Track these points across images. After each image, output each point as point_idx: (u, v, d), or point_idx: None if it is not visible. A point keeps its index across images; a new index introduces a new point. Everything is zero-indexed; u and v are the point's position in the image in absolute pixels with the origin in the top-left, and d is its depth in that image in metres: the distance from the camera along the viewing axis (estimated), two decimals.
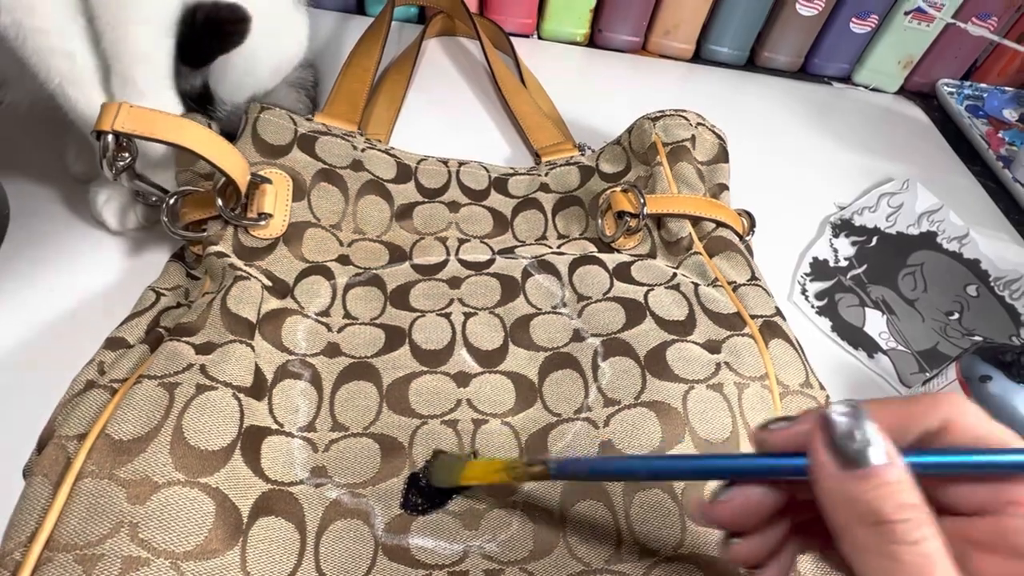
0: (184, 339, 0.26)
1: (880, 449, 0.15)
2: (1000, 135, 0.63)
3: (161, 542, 0.21)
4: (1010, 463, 0.16)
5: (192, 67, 0.33)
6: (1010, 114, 0.66)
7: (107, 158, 0.29)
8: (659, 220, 0.38)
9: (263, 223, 0.32)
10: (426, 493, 0.26)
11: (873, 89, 0.67)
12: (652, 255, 0.37)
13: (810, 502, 0.17)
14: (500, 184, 0.41)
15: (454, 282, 0.33)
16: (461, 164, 0.41)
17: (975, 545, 0.16)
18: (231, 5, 0.32)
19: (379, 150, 0.39)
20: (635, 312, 0.32)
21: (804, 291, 0.44)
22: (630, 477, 0.20)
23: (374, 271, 0.34)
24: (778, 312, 0.33)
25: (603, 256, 0.35)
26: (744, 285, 0.34)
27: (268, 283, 0.30)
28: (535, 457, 0.23)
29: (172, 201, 0.32)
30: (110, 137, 0.29)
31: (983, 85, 0.67)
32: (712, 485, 0.25)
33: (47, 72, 0.30)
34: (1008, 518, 0.16)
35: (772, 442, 0.18)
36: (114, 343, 0.28)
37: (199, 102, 0.35)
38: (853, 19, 0.62)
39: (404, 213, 0.37)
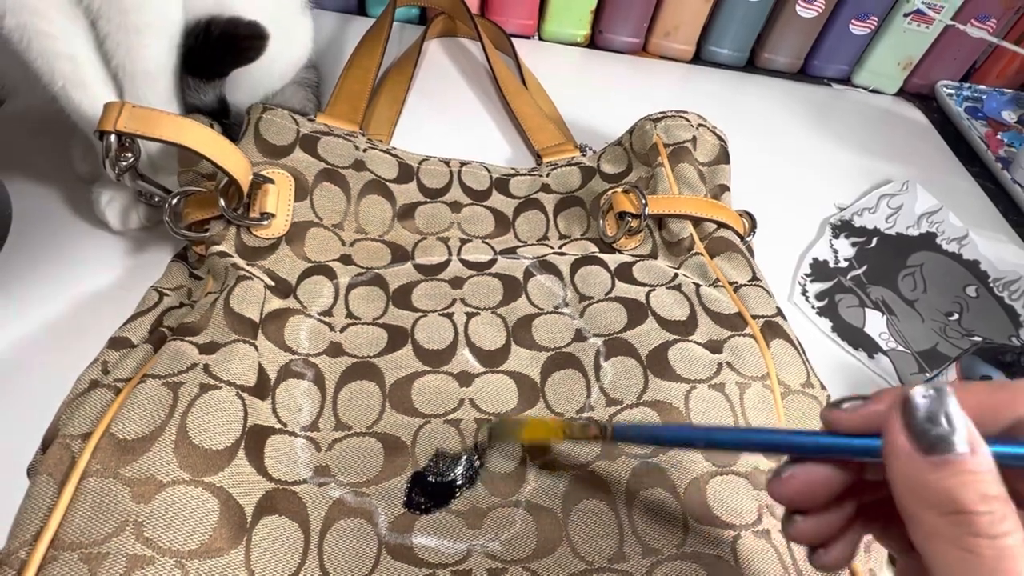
0: (188, 339, 0.26)
1: (963, 436, 0.14)
2: (999, 136, 0.63)
3: (166, 541, 0.21)
4: None
5: (204, 80, 0.33)
6: (1009, 116, 0.66)
7: (110, 158, 0.30)
8: (660, 221, 0.38)
9: (265, 223, 0.32)
10: (430, 491, 0.26)
11: (872, 90, 0.67)
12: (653, 256, 0.37)
13: (879, 483, 0.16)
14: (502, 184, 0.41)
15: (456, 282, 0.34)
16: (463, 164, 0.41)
17: None
18: (249, 22, 0.32)
19: (381, 150, 0.39)
20: (637, 312, 0.32)
21: (804, 292, 0.44)
22: (687, 445, 0.20)
23: (376, 271, 0.34)
24: (779, 312, 0.33)
25: (605, 256, 0.35)
26: (745, 285, 0.34)
27: (271, 283, 0.30)
28: (591, 420, 0.24)
29: (175, 201, 0.32)
30: (113, 137, 0.29)
31: (982, 87, 0.67)
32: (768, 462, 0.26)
33: (51, 75, 0.30)
34: None
35: (845, 421, 0.17)
36: (118, 343, 0.28)
37: (215, 116, 0.35)
38: (852, 21, 0.62)
39: (406, 213, 0.37)
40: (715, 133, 0.42)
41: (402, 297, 0.33)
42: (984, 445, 0.15)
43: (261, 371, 0.27)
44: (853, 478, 0.17)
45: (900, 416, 0.15)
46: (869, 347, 0.41)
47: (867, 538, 0.21)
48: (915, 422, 0.15)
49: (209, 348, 0.26)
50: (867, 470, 0.17)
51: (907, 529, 0.15)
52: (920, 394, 0.15)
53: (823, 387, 0.32)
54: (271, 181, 0.33)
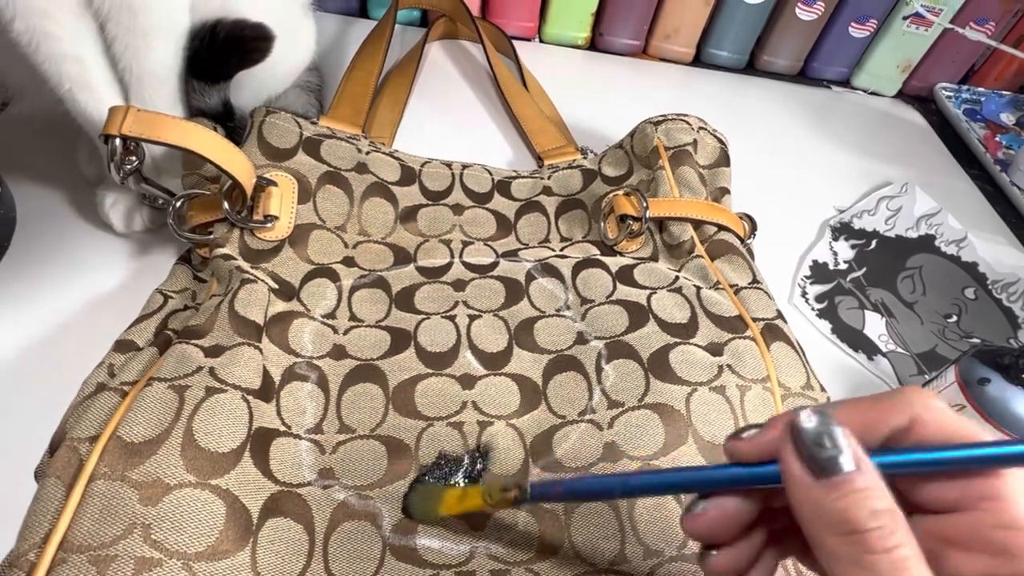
0: (193, 342, 0.26)
1: (848, 455, 0.15)
2: (997, 139, 0.63)
3: (173, 543, 0.21)
4: (980, 457, 0.16)
5: (209, 83, 0.33)
6: (1007, 118, 0.66)
7: (115, 162, 0.30)
8: (661, 223, 0.38)
9: (269, 225, 0.32)
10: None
11: (872, 93, 0.67)
12: (654, 258, 0.37)
13: (786, 509, 0.16)
14: (503, 187, 0.41)
15: (459, 285, 0.34)
16: (464, 167, 0.41)
17: (950, 543, 0.16)
18: (255, 24, 0.32)
19: (383, 153, 0.39)
20: (638, 315, 0.32)
21: (804, 294, 0.44)
22: (606, 496, 0.20)
23: (379, 273, 0.34)
24: (779, 315, 0.33)
25: (606, 259, 0.35)
26: (746, 288, 0.34)
27: (274, 285, 0.31)
28: (509, 482, 0.23)
29: (178, 204, 0.32)
30: (118, 141, 0.29)
31: (981, 89, 0.68)
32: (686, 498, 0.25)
33: (58, 77, 0.30)
34: (981, 514, 0.16)
35: (744, 451, 0.18)
36: (123, 346, 0.28)
37: (219, 120, 0.35)
38: (852, 23, 0.62)
39: (408, 215, 0.38)
40: (716, 136, 0.42)
41: (405, 299, 0.33)
42: (868, 460, 0.15)
43: (266, 374, 0.27)
44: (761, 506, 0.18)
45: (790, 442, 0.16)
46: (868, 349, 0.42)
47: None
48: (804, 446, 0.15)
49: (214, 351, 0.26)
50: (774, 497, 0.18)
51: (815, 554, 0.15)
52: (805, 418, 0.15)
53: (823, 389, 0.32)
54: (274, 184, 0.33)
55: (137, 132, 0.29)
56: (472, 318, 0.32)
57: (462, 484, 0.27)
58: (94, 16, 0.29)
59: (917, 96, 0.68)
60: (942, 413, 0.16)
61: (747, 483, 0.18)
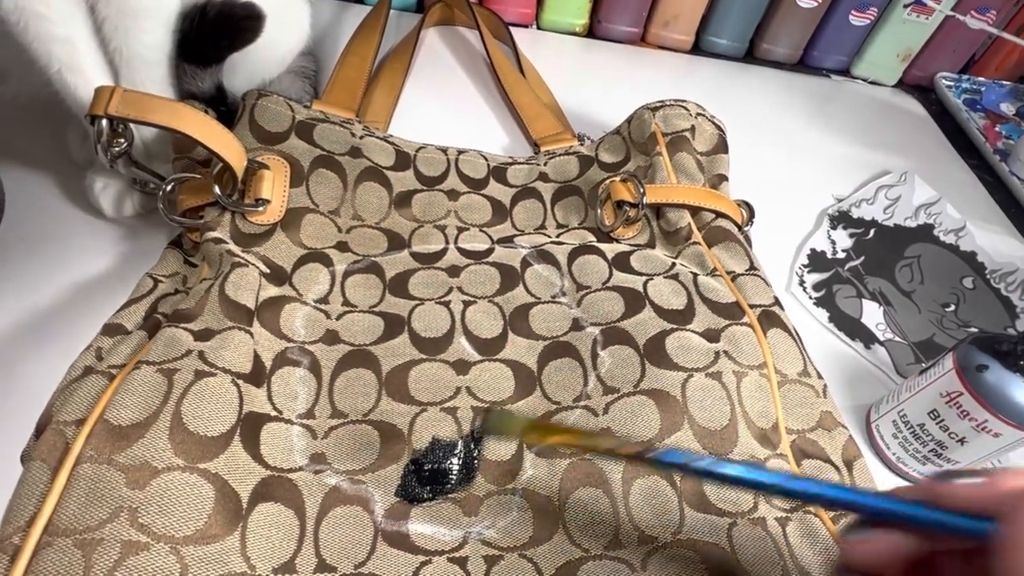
0: (182, 325, 0.26)
1: None
2: (997, 129, 0.63)
3: (161, 527, 0.21)
4: None
5: (201, 66, 0.33)
6: (1007, 108, 0.66)
7: (102, 143, 0.29)
8: (658, 210, 0.37)
9: (261, 209, 0.32)
10: (426, 479, 0.26)
11: (871, 82, 0.67)
12: (651, 245, 0.37)
13: (955, 559, 0.15)
14: (499, 173, 0.41)
15: (453, 271, 0.33)
16: (460, 152, 0.41)
17: None
18: (245, 3, 0.32)
19: (378, 137, 0.38)
20: (634, 301, 0.32)
21: (802, 282, 0.44)
22: (750, 487, 0.18)
23: (373, 258, 0.33)
24: (776, 302, 0.33)
25: (602, 246, 0.35)
26: (743, 275, 0.34)
27: (266, 270, 0.30)
28: (631, 442, 0.21)
29: (169, 188, 0.32)
30: (104, 122, 0.29)
31: (981, 79, 0.67)
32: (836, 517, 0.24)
33: (47, 58, 0.29)
34: None
35: (956, 496, 0.16)
36: (112, 329, 0.27)
37: (212, 104, 0.34)
38: (852, 12, 0.62)
39: (403, 201, 0.37)
40: (714, 123, 0.42)
41: (399, 285, 0.32)
42: None
43: (256, 358, 0.27)
44: (929, 549, 0.17)
45: None
46: (866, 338, 0.41)
47: None
48: None
49: (204, 335, 0.26)
50: (946, 543, 0.17)
51: None
52: None
53: (820, 376, 0.32)
54: (266, 167, 0.33)
55: (124, 112, 0.28)
56: (466, 304, 0.32)
57: (456, 469, 0.27)
58: None
59: (917, 85, 0.68)
60: None
61: (946, 529, 0.16)
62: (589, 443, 0.22)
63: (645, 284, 0.32)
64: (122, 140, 0.30)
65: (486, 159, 0.41)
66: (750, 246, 0.38)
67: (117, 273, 0.35)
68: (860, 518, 0.18)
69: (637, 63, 0.61)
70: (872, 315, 0.43)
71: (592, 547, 0.25)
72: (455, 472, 0.26)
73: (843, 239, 0.48)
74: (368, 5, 0.57)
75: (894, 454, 0.35)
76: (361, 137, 0.37)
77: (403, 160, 0.39)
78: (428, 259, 0.34)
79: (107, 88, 0.29)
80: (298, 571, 0.23)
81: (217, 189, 0.31)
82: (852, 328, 0.42)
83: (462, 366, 0.30)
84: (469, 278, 0.33)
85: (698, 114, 0.41)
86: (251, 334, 0.27)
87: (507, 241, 0.36)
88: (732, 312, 0.32)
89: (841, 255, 0.47)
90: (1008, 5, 0.61)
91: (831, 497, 0.18)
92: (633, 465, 0.26)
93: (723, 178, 0.40)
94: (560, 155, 0.42)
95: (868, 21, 0.62)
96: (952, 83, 0.66)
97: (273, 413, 0.26)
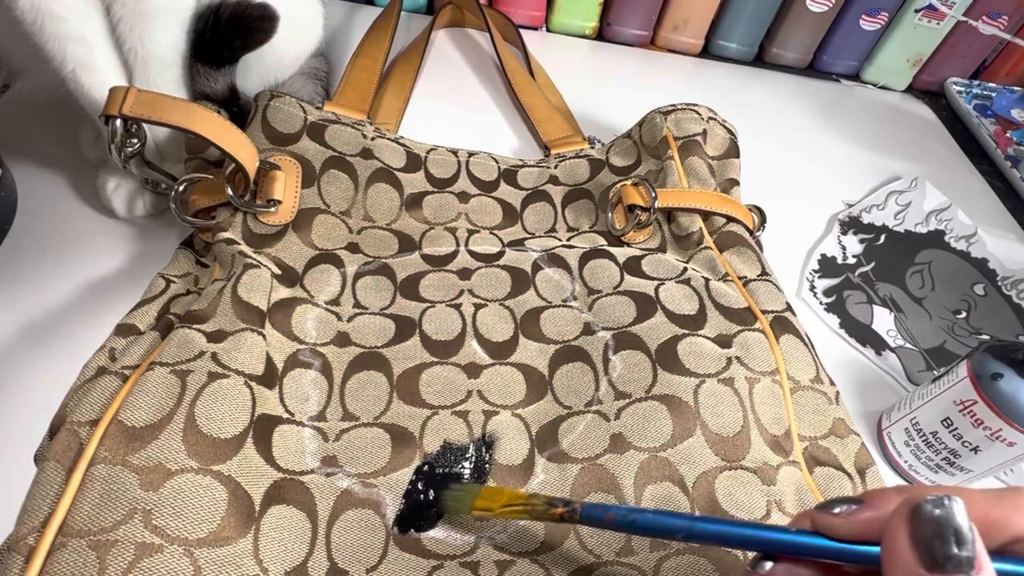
0: (195, 326, 0.26)
1: (972, 555, 0.14)
2: (1008, 135, 0.63)
3: (174, 529, 0.21)
4: None
5: (214, 67, 0.33)
6: (1018, 114, 0.65)
7: (115, 143, 0.29)
8: (669, 214, 0.37)
9: (272, 209, 0.32)
10: (437, 483, 0.26)
11: (881, 87, 0.67)
12: (662, 249, 0.37)
13: None
14: (509, 175, 0.41)
15: (464, 273, 0.33)
16: (471, 155, 0.41)
17: None
18: (259, 4, 0.32)
19: (388, 139, 0.38)
20: (646, 306, 0.31)
21: (812, 288, 0.44)
22: (666, 535, 0.19)
23: (384, 260, 0.33)
24: (788, 307, 0.33)
25: (613, 250, 0.35)
26: (754, 280, 0.34)
27: (277, 271, 0.30)
28: (557, 498, 0.22)
29: (181, 188, 0.32)
30: (118, 122, 0.29)
31: (992, 84, 0.67)
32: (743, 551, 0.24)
33: (62, 58, 0.29)
34: None
35: (837, 527, 0.16)
36: (125, 329, 0.27)
37: (224, 104, 0.34)
38: (863, 16, 0.61)
39: (414, 202, 0.37)
40: (725, 127, 0.42)
41: (410, 287, 0.32)
42: (990, 565, 0.14)
43: (269, 360, 0.27)
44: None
45: (908, 527, 0.15)
46: (877, 344, 0.41)
47: None
48: (923, 536, 0.14)
49: (217, 336, 0.26)
50: (844, 571, 0.17)
51: None
52: (932, 506, 0.14)
53: (832, 383, 0.31)
54: (278, 168, 0.33)
55: (138, 113, 0.28)
56: (478, 307, 0.32)
57: (467, 474, 0.27)
58: None
59: (927, 91, 0.68)
60: None
61: (833, 557, 0.17)
62: (529, 508, 0.22)
63: (657, 289, 0.32)
64: (135, 140, 0.30)
65: (497, 161, 0.41)
66: (761, 251, 0.38)
67: (129, 273, 0.35)
68: (760, 553, 0.18)
69: (647, 66, 0.61)
70: (883, 321, 0.43)
71: (604, 553, 0.25)
72: (467, 476, 0.26)
73: (853, 245, 0.47)
74: (379, 7, 0.57)
75: (906, 462, 0.34)
76: (372, 139, 0.37)
77: (414, 162, 0.39)
78: (439, 261, 0.34)
79: (121, 88, 0.29)
80: (310, 574, 0.23)
81: (229, 189, 0.31)
82: (863, 334, 0.42)
83: (473, 369, 0.29)
84: (480, 281, 0.33)
85: (710, 118, 0.41)
86: (263, 336, 0.27)
87: (518, 244, 0.36)
88: (744, 318, 0.31)
89: (852, 261, 0.46)
90: (1020, 10, 0.61)
91: (735, 535, 0.18)
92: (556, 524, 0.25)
93: (734, 182, 0.40)
94: (570, 158, 0.42)
95: (879, 26, 0.62)
96: (963, 88, 0.66)
97: (285, 415, 0.26)
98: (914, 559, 0.14)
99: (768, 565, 0.17)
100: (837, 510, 0.17)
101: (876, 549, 0.16)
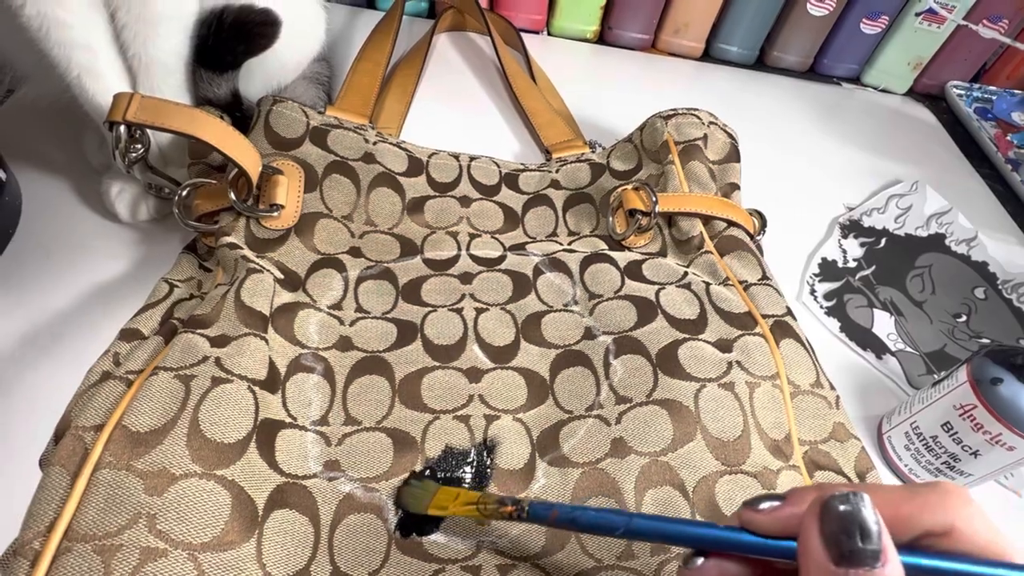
0: (199, 331, 0.26)
1: (878, 549, 0.14)
2: (1009, 138, 0.63)
3: (179, 533, 0.21)
4: None
5: (217, 72, 0.33)
6: (1019, 117, 0.66)
7: (119, 149, 0.29)
8: (670, 219, 0.38)
9: (275, 214, 0.32)
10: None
11: (882, 90, 0.67)
12: (663, 254, 0.37)
13: None
14: (511, 180, 0.41)
15: (465, 277, 0.34)
16: (472, 159, 0.41)
17: None
18: (262, 9, 0.32)
19: (390, 143, 0.38)
20: (647, 310, 0.32)
21: (813, 291, 0.44)
22: (605, 532, 0.19)
23: (386, 265, 0.34)
24: (789, 312, 0.33)
25: (614, 254, 0.35)
26: (755, 284, 0.34)
27: (280, 276, 0.30)
28: (507, 497, 0.22)
29: (184, 193, 0.32)
30: (122, 128, 0.29)
31: (992, 88, 0.67)
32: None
33: (67, 64, 0.30)
34: None
35: (760, 523, 0.17)
36: (129, 334, 0.28)
37: (227, 109, 0.35)
38: (864, 20, 0.62)
39: (415, 206, 0.37)
40: (726, 131, 0.42)
41: (411, 292, 0.33)
42: (896, 558, 0.14)
43: (271, 365, 0.27)
44: (761, 573, 0.17)
45: (816, 523, 0.15)
46: (877, 348, 0.41)
47: None
48: (831, 531, 0.15)
49: (220, 341, 0.26)
50: (777, 567, 0.17)
51: None
52: (839, 502, 0.15)
53: (832, 387, 0.32)
54: (281, 172, 0.33)
55: (142, 119, 0.29)
56: (479, 311, 0.32)
57: (469, 478, 0.27)
58: (105, 3, 0.29)
59: (928, 94, 0.68)
60: (981, 524, 0.16)
61: (758, 553, 0.17)
62: (480, 508, 0.23)
63: (657, 293, 0.32)
64: (139, 145, 0.30)
65: (498, 165, 0.41)
66: (762, 255, 0.38)
67: (133, 277, 0.35)
68: (693, 550, 0.18)
69: (648, 70, 0.61)
70: (883, 325, 0.43)
71: (605, 557, 0.25)
72: (468, 481, 0.26)
73: (854, 248, 0.48)
74: (381, 11, 0.57)
75: (906, 466, 0.34)
76: (374, 143, 0.37)
77: (416, 166, 0.39)
78: (441, 266, 0.34)
79: (125, 94, 0.29)
80: None
81: (232, 194, 0.31)
82: (863, 338, 0.42)
83: (475, 374, 0.30)
84: (481, 285, 0.33)
85: (710, 123, 0.41)
86: (266, 340, 0.27)
87: (519, 248, 0.36)
88: (745, 322, 0.32)
89: (852, 264, 0.46)
90: (1020, 14, 0.61)
91: (666, 531, 0.19)
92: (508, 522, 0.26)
93: (735, 187, 0.40)
94: (572, 162, 0.42)
95: (879, 29, 0.62)
96: (963, 92, 0.66)
97: (288, 420, 0.26)
98: (823, 554, 0.15)
99: (700, 561, 0.18)
100: (762, 507, 0.17)
101: (794, 545, 0.16)
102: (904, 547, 0.15)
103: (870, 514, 0.15)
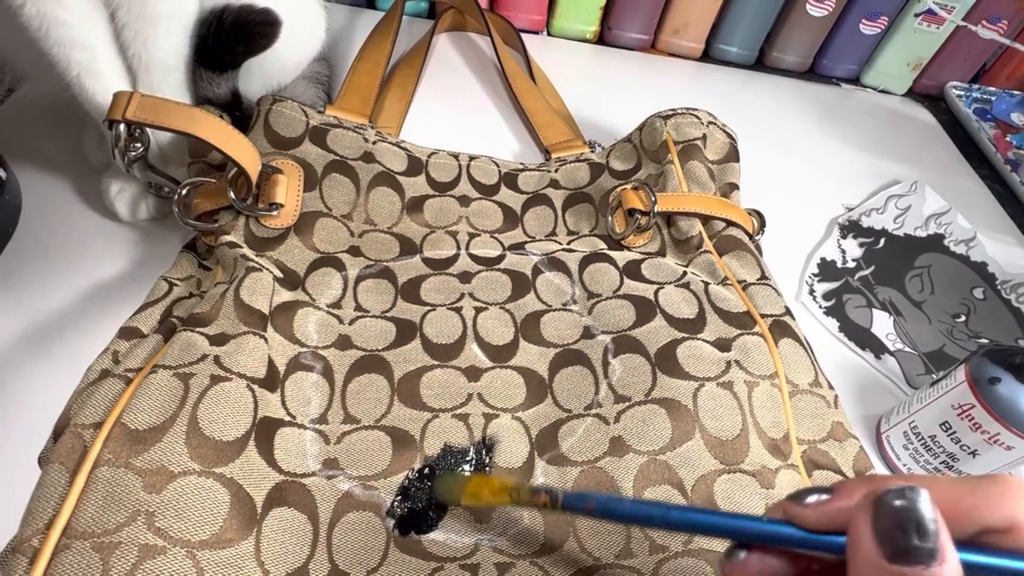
0: (198, 329, 0.26)
1: (935, 546, 0.13)
2: (1008, 139, 0.63)
3: (177, 531, 0.21)
4: None
5: (217, 71, 0.33)
6: (1018, 118, 0.66)
7: (119, 148, 0.29)
8: (669, 218, 0.38)
9: (275, 212, 0.32)
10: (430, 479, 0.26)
11: (881, 91, 0.67)
12: (662, 253, 0.37)
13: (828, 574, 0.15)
14: (510, 179, 0.41)
15: (464, 277, 0.34)
16: (471, 158, 0.41)
17: None
18: (262, 9, 0.32)
19: (390, 143, 0.39)
20: (645, 310, 0.32)
21: (812, 291, 0.44)
22: (642, 523, 0.19)
23: (385, 264, 0.34)
24: (787, 311, 0.33)
25: (613, 254, 0.35)
26: (754, 284, 0.34)
27: (279, 274, 0.30)
28: (541, 486, 0.22)
29: (184, 192, 0.32)
30: (122, 127, 0.29)
31: (991, 88, 0.67)
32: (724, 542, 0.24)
33: (67, 63, 0.30)
34: None
35: (807, 518, 0.16)
36: (128, 332, 0.28)
37: (227, 108, 0.35)
38: (863, 20, 0.62)
39: (415, 206, 0.37)
40: (725, 131, 0.42)
41: (411, 291, 0.33)
42: (955, 556, 0.14)
43: (270, 363, 0.27)
44: (804, 569, 0.17)
45: (870, 518, 0.14)
46: (876, 348, 0.41)
47: None
48: (885, 527, 0.14)
49: (219, 339, 0.26)
50: (820, 562, 0.17)
51: None
52: (894, 497, 0.14)
53: (831, 387, 0.32)
54: (280, 171, 0.33)
55: (141, 117, 0.29)
56: (478, 310, 0.32)
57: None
58: (105, 3, 0.29)
59: (927, 95, 0.68)
60: None
61: (804, 547, 0.17)
62: (515, 497, 0.23)
63: (656, 292, 0.32)
64: (139, 144, 0.30)
65: (497, 165, 0.41)
66: (761, 255, 0.38)
67: (132, 276, 0.35)
68: (735, 542, 0.18)
69: (647, 70, 0.61)
70: (882, 325, 0.43)
71: (603, 555, 0.25)
72: (489, 477, 0.26)
73: (853, 248, 0.48)
74: (381, 11, 0.58)
75: (904, 465, 0.34)
76: (374, 142, 0.37)
77: (415, 165, 0.39)
78: (440, 265, 0.34)
79: (125, 93, 0.29)
80: None
81: (232, 193, 0.31)
82: (862, 338, 0.42)
83: (474, 372, 0.30)
84: (480, 284, 0.33)
85: (709, 123, 0.41)
86: (265, 339, 0.27)
87: (518, 248, 0.36)
88: (743, 322, 0.32)
89: (851, 264, 0.46)
90: (1019, 15, 0.61)
91: (706, 523, 0.18)
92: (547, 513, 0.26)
93: (734, 187, 0.40)
94: (571, 162, 0.42)
95: (878, 30, 0.62)
96: (962, 92, 0.66)
97: (287, 418, 0.26)
98: (876, 550, 0.14)
99: (742, 554, 0.17)
100: (808, 500, 0.17)
101: (843, 540, 0.15)
102: (962, 544, 0.14)
103: (928, 510, 0.14)
